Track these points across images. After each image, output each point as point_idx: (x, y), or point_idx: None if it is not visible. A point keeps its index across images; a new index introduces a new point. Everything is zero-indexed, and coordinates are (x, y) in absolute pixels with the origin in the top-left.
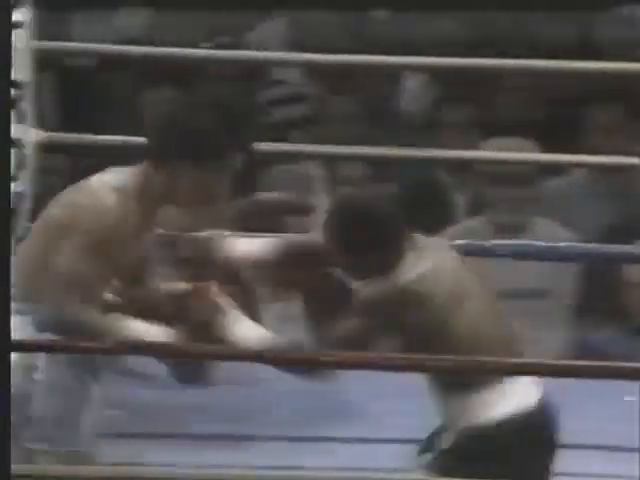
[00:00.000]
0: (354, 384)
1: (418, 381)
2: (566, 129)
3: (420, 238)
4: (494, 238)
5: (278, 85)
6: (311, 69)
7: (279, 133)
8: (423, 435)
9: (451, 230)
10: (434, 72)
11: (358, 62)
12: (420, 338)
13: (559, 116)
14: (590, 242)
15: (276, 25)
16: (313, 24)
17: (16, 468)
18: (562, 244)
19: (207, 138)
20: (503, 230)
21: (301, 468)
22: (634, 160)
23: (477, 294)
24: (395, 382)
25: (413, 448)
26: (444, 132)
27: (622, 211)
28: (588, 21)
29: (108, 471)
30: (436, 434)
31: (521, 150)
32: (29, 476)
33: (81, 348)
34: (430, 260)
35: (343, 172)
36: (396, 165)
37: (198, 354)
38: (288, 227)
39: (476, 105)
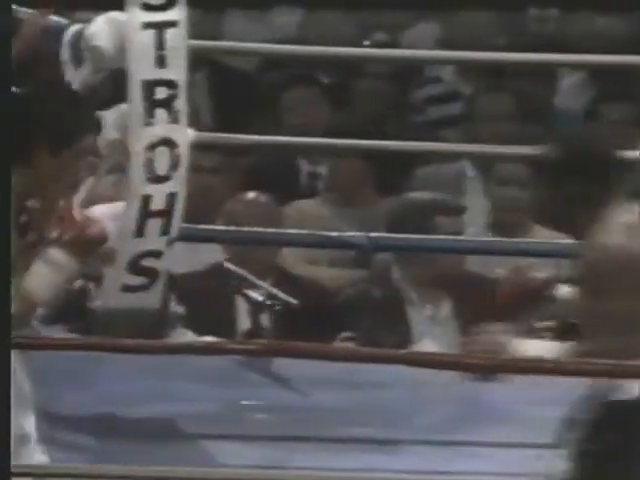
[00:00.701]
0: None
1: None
2: None
3: None
4: None
5: (434, 83)
6: (466, 68)
7: (434, 131)
8: None
9: None
10: (592, 70)
11: (512, 59)
12: None
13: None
14: None
15: (430, 25)
16: (467, 23)
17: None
18: None
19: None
20: None
21: (447, 473)
22: None
23: None
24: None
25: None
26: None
27: None
28: None
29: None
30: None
31: None
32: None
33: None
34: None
35: (498, 172)
36: None
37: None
38: (439, 228)
39: (633, 102)
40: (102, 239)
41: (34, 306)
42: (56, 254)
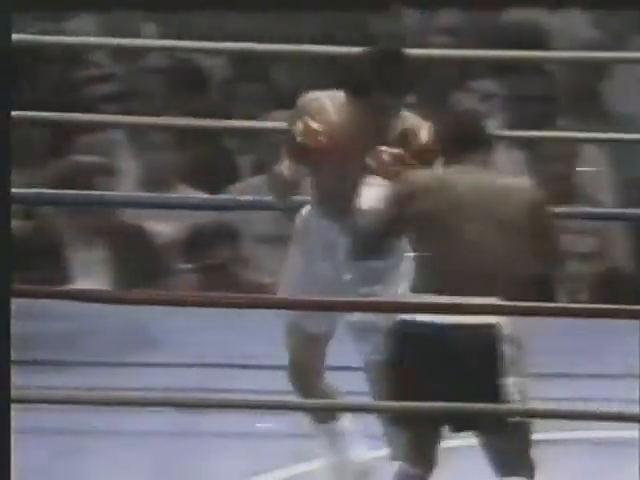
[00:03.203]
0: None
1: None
2: None
3: None
4: None
5: (95, 67)
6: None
7: (94, 107)
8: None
9: (238, 186)
10: None
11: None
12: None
13: None
14: None
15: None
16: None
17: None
18: None
19: None
20: None
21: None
22: None
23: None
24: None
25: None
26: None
27: None
28: None
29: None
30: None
31: None
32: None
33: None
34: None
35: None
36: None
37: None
38: (96, 186)
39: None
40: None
41: None
42: None
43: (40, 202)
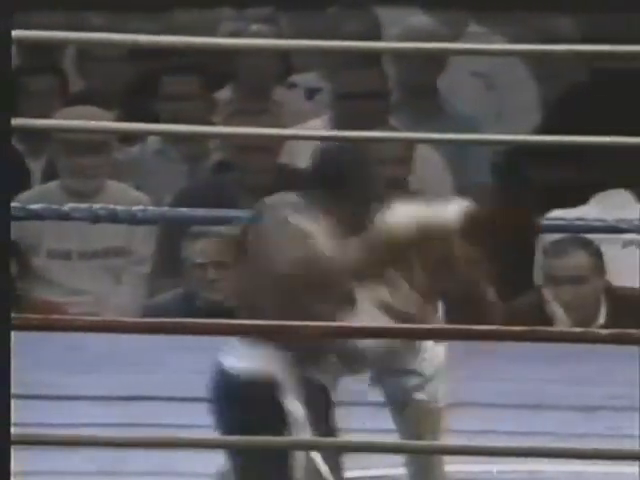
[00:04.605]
0: None
1: None
2: (144, 99)
3: None
4: (69, 202)
5: None
6: None
7: None
8: None
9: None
10: None
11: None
12: None
13: (138, 87)
14: (164, 205)
15: None
16: None
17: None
18: (135, 208)
19: None
20: (77, 195)
21: None
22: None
23: None
24: None
25: None
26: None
27: (194, 175)
28: None
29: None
30: None
31: (95, 118)
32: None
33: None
34: None
35: None
36: None
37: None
38: None
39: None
40: None
41: None
42: None
43: None
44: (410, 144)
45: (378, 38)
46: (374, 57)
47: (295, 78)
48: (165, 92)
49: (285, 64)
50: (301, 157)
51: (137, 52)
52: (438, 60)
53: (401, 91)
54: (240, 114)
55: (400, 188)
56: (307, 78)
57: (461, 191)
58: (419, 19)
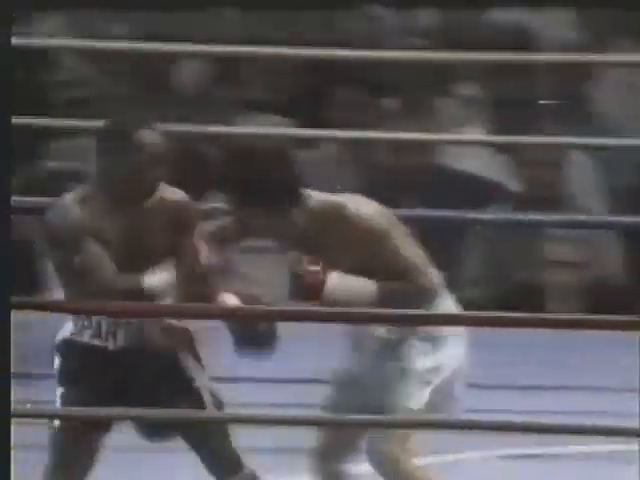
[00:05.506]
0: None
1: None
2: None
3: None
4: None
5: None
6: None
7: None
8: None
9: None
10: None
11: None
12: None
13: (309, 96)
14: None
15: None
16: None
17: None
18: None
19: None
20: None
21: None
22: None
23: None
24: None
25: None
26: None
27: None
28: None
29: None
30: None
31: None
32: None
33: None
34: None
35: None
36: None
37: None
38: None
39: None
40: None
41: None
42: None
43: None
44: (562, 148)
45: (528, 49)
46: (527, 67)
47: (454, 87)
48: (338, 101)
49: (444, 74)
50: (461, 160)
51: (311, 63)
52: (586, 70)
53: (554, 99)
54: (403, 121)
55: (553, 191)
56: (465, 87)
57: (611, 193)
58: (565, 31)
